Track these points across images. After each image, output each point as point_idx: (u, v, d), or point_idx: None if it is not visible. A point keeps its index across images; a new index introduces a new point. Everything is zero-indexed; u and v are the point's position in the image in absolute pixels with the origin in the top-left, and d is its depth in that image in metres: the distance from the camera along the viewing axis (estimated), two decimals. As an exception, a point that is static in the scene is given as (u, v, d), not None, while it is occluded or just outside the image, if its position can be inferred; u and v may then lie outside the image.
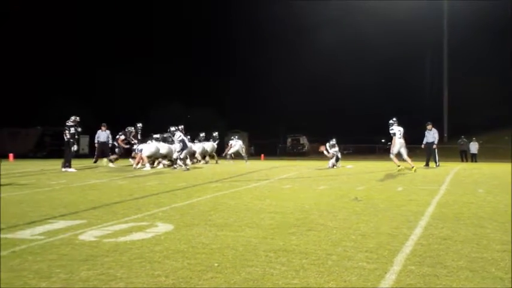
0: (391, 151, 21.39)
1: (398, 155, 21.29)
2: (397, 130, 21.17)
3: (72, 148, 21.67)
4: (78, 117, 22.39)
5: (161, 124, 24.20)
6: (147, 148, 22.52)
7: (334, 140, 24.11)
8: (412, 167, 20.70)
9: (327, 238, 7.06)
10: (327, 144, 24.19)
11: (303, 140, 61.95)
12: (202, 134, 29.33)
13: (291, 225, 8.01)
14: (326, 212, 9.36)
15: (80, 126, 22.94)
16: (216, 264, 5.70)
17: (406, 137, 21.38)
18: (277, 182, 16.38)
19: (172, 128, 22.61)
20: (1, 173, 19.68)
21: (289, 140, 62.57)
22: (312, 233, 7.41)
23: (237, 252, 6.29)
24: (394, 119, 21.37)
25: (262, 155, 35.04)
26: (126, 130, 25.71)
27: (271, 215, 9.04)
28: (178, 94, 58.68)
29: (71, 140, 21.76)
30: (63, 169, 21.11)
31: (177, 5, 63.46)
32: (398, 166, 20.76)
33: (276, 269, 5.54)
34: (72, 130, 21.78)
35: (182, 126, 23.23)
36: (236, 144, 29.84)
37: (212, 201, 11.18)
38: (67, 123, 21.86)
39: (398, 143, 21.06)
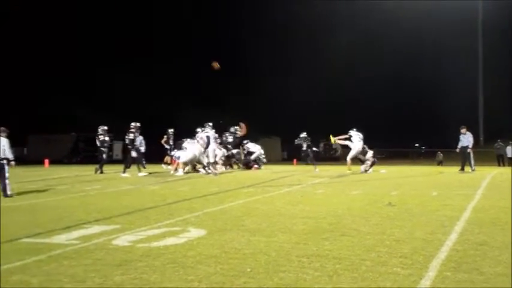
0: (349, 155, 23.55)
1: (354, 159, 23.63)
2: (355, 135, 23.16)
3: (133, 153, 22.02)
4: (138, 123, 22.65)
5: (190, 129, 24.03)
6: (185, 155, 22.52)
7: (365, 146, 23.90)
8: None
9: (360, 243, 7.00)
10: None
11: (336, 144, 61.59)
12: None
13: (324, 231, 7.97)
14: (359, 217, 9.28)
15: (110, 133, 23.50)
16: (248, 269, 5.69)
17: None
18: (309, 186, 16.31)
19: (207, 124, 22.57)
20: (37, 178, 20.03)
21: (321, 144, 62.33)
22: (345, 238, 7.35)
23: (269, 257, 6.28)
24: (354, 129, 23.45)
25: (295, 160, 34.93)
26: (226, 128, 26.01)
27: (304, 220, 9.00)
28: (204, 98, 58.77)
29: (129, 146, 22.11)
30: (123, 174, 21.39)
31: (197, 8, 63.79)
32: (349, 170, 22.91)
33: (309, 274, 5.52)
34: (132, 136, 22.13)
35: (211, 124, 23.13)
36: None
37: (244, 207, 11.18)
38: (130, 129, 22.28)
39: (357, 148, 23.07)
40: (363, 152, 23.65)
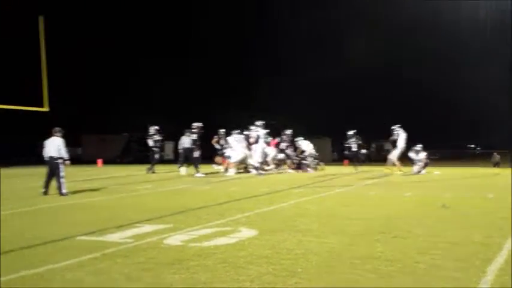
0: (393, 155, 23.35)
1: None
2: (402, 132, 23.03)
3: (196, 153, 22.17)
4: (201, 123, 22.82)
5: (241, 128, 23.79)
6: (235, 155, 22.50)
7: (419, 146, 23.34)
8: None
9: (413, 245, 6.85)
10: (412, 152, 23.44)
11: (388, 145, 60.67)
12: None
13: (376, 232, 7.84)
14: (412, 219, 9.10)
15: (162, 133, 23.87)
16: (300, 270, 5.65)
17: None
18: (361, 188, 16.13)
19: (258, 123, 22.34)
20: (91, 178, 20.45)
21: (373, 145, 61.58)
22: (398, 240, 7.22)
23: (321, 258, 6.22)
24: (397, 125, 23.24)
25: (346, 161, 34.53)
26: (284, 134, 25.65)
27: (355, 222, 8.89)
28: (253, 98, 58.52)
29: (193, 146, 22.29)
30: (197, 175, 21.38)
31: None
32: (400, 171, 22.72)
33: (361, 276, 5.43)
34: (195, 136, 22.28)
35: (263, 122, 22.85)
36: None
37: (295, 207, 11.13)
38: (192, 130, 22.49)
39: (401, 147, 23.04)
40: (415, 152, 23.21)
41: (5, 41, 39.58)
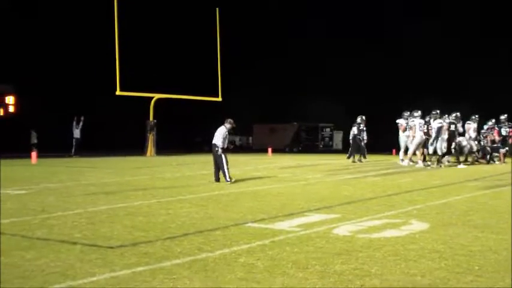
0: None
1: None
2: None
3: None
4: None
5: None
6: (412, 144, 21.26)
7: None
8: None
9: None
10: None
11: None
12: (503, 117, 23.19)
13: None
14: None
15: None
16: (476, 268, 5.34)
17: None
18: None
19: (416, 113, 21.05)
20: (261, 166, 21.03)
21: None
22: None
23: (500, 256, 5.83)
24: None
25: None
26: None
27: (539, 218, 8.22)
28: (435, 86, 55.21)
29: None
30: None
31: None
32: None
33: (546, 278, 4.99)
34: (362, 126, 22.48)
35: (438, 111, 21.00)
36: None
37: (471, 201, 10.57)
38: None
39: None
40: None
41: (183, 33, 41.99)
